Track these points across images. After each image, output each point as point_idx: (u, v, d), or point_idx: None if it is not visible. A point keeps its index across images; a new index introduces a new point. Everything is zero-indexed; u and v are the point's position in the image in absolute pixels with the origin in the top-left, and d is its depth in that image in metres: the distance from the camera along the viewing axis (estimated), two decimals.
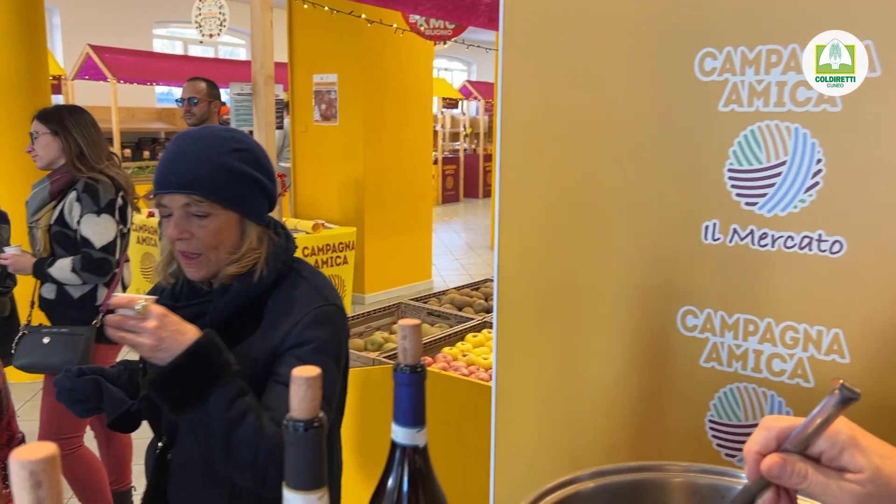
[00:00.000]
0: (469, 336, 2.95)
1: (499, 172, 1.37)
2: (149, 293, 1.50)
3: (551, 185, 1.32)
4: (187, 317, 1.27)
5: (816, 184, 1.06)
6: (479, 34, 8.85)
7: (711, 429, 1.19)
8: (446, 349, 2.85)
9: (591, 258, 1.28)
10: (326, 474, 0.64)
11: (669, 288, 1.22)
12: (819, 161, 1.06)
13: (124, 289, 3.05)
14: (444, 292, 3.60)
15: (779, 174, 1.09)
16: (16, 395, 4.71)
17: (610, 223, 1.26)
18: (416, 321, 0.75)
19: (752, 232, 1.13)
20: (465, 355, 2.78)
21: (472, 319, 3.12)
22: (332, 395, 1.36)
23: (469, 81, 16.76)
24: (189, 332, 1.22)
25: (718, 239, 1.16)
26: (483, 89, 15.88)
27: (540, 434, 1.37)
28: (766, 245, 1.12)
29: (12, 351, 3.16)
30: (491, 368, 2.67)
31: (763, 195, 1.11)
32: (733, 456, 1.18)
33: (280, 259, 1.40)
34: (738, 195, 1.13)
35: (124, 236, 2.91)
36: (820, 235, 1.07)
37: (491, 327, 3.03)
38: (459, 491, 1.39)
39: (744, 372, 1.16)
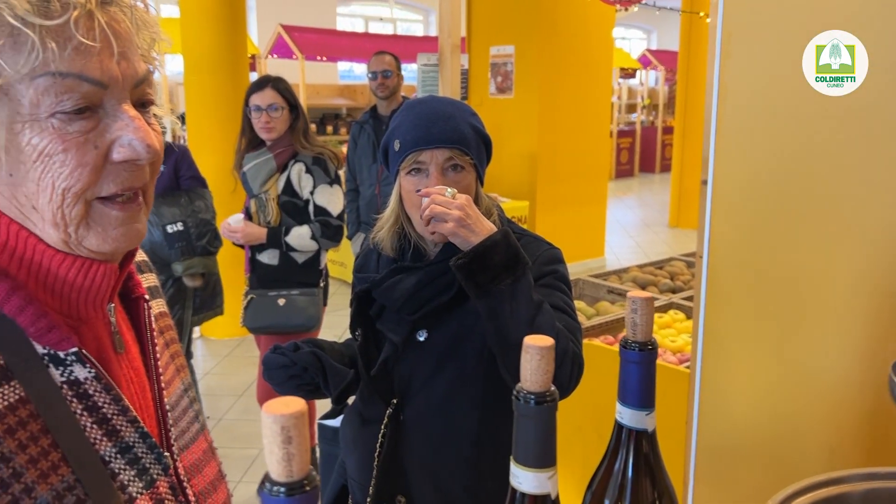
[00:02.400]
0: (654, 317, 2.81)
1: (713, 143, 1.24)
2: (357, 263, 1.53)
3: (777, 156, 1.17)
4: (437, 273, 1.34)
5: None
6: None
7: None
8: None
9: (822, 238, 1.14)
10: (556, 451, 0.59)
11: None
12: None
13: None
14: (624, 270, 3.46)
15: None
16: (212, 351, 5.14)
17: (849, 199, 1.10)
18: (648, 293, 0.68)
19: None
20: None
21: (658, 299, 2.97)
22: (577, 317, 1.40)
23: (649, 50, 16.04)
24: (487, 222, 1.29)
25: None
26: (664, 58, 15.11)
27: (752, 431, 1.25)
28: None
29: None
30: (678, 352, 2.53)
31: None
32: None
33: (504, 217, 1.45)
34: None
35: None
36: None
37: (678, 308, 2.87)
38: None
39: None
